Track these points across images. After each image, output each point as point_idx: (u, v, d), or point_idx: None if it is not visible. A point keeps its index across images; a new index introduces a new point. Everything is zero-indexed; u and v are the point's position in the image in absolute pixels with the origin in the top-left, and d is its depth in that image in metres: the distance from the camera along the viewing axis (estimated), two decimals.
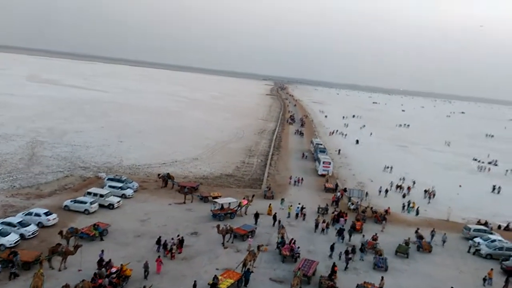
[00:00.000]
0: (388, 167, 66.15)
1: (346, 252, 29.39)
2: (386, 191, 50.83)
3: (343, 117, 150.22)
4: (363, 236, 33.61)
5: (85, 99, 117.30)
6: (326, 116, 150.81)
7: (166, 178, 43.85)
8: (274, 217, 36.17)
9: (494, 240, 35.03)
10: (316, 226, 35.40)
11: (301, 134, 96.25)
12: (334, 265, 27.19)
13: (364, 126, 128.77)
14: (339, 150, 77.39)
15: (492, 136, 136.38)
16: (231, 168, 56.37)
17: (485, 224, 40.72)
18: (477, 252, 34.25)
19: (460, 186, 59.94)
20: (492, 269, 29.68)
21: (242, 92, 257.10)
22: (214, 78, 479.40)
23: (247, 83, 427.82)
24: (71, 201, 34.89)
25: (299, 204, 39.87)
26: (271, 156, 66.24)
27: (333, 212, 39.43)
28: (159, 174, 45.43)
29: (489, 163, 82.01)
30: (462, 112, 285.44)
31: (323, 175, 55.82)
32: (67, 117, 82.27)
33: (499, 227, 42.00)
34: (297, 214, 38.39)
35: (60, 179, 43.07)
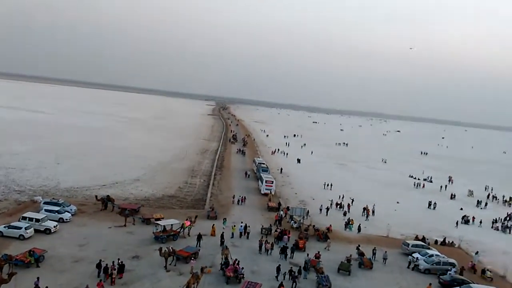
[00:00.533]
0: (328, 185, 68.46)
1: (290, 272, 29.60)
2: (327, 209, 52.51)
3: (284, 136, 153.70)
4: (307, 254, 34.34)
5: (21, 120, 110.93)
6: (267, 136, 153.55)
7: (106, 201, 42.45)
8: (222, 237, 36.18)
9: (432, 255, 36.66)
10: (260, 246, 35.60)
11: (243, 153, 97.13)
12: (281, 285, 27.62)
13: (305, 144, 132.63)
14: (281, 169, 79.04)
15: (427, 153, 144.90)
16: (173, 189, 55.66)
17: (423, 239, 42.77)
18: (416, 268, 35.63)
19: (398, 202, 63.13)
20: (430, 284, 31.42)
21: (184, 112, 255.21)
22: (157, 98, 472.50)
23: (189, 103, 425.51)
24: (4, 227, 32.68)
25: (242, 222, 40.17)
26: (214, 176, 66.30)
27: (275, 230, 40.15)
28: (96, 196, 43.93)
29: (424, 179, 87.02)
30: (398, 131, 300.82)
31: (265, 194, 56.64)
32: (1, 140, 77.14)
33: (436, 242, 44.34)
34: (240, 233, 38.63)
35: None
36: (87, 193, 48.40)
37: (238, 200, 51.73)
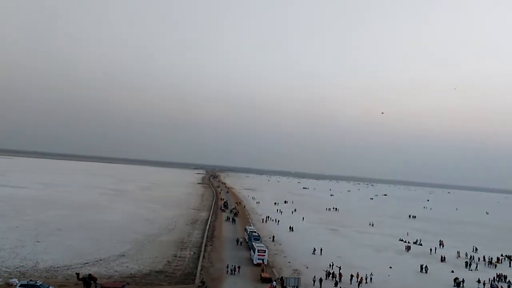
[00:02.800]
0: (320, 252, 66.55)
1: None
2: (320, 280, 48.90)
3: (275, 203, 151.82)
4: None
5: (1, 196, 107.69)
6: (258, 203, 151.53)
7: (88, 280, 39.69)
8: None
9: None
10: None
11: (234, 221, 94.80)
12: None
13: (296, 210, 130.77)
14: (273, 237, 76.72)
15: (415, 217, 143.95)
16: (161, 264, 52.80)
17: None
18: None
19: (390, 267, 61.09)
20: None
21: (173, 182, 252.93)
22: (145, 168, 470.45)
23: (179, 173, 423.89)
24: None
25: None
26: (205, 247, 63.57)
27: None
28: (78, 275, 41.14)
29: (414, 243, 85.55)
30: (385, 195, 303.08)
31: (258, 264, 54.18)
32: None
33: None
34: None
35: None
36: (68, 273, 45.40)
37: (231, 270, 49.45)
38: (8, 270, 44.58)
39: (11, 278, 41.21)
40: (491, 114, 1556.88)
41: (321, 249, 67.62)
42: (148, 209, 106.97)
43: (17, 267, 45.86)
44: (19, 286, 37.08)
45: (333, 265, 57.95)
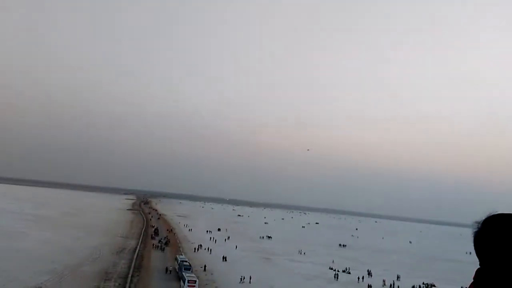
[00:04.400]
0: (250, 281, 65.93)
1: None
2: None
3: (209, 231, 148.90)
4: None
5: None
6: (190, 230, 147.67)
7: None
8: None
9: None
10: None
11: (164, 250, 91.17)
12: None
13: (229, 238, 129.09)
14: (205, 266, 74.54)
15: (345, 245, 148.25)
16: None
17: None
18: None
19: None
20: None
21: (100, 207, 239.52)
22: (70, 192, 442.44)
23: (107, 198, 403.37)
24: None
25: None
26: (131, 278, 59.99)
27: None
28: None
29: (343, 271, 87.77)
30: (317, 223, 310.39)
31: None
32: None
33: None
34: None
35: None
36: None
37: None
38: None
39: None
40: (416, 146, 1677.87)
41: (250, 278, 67.19)
42: (70, 237, 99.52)
43: None
44: None
45: None
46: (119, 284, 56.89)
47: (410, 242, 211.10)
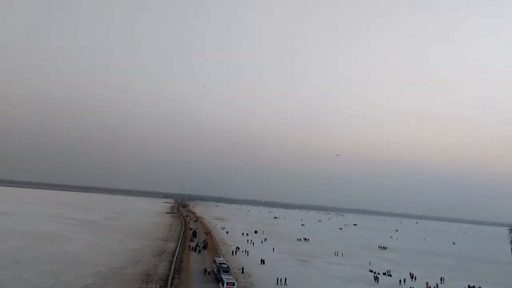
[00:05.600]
0: (287, 283, 65.94)
1: None
2: None
3: (246, 233, 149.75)
4: None
5: None
6: (227, 232, 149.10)
7: None
8: None
9: None
10: None
11: (200, 252, 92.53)
12: None
13: (266, 240, 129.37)
14: (243, 269, 75.10)
15: (386, 248, 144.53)
16: None
17: None
18: None
19: None
20: None
21: (141, 211, 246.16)
22: (111, 197, 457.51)
23: (146, 202, 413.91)
24: None
25: None
26: (171, 281, 61.29)
27: None
28: None
29: (384, 273, 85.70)
30: (355, 224, 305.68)
31: None
32: None
33: None
34: None
35: None
36: None
37: None
38: None
39: None
40: (461, 145, 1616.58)
41: (286, 280, 66.90)
42: (113, 240, 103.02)
43: None
44: None
45: None
46: (160, 286, 58.25)
47: (454, 243, 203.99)
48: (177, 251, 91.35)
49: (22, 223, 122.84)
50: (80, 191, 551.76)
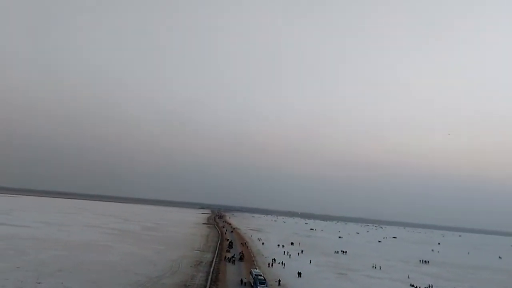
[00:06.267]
0: None
1: None
2: None
3: (281, 245, 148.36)
4: None
5: (3, 236, 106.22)
6: (263, 244, 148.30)
7: None
8: None
9: None
10: None
11: (238, 263, 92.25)
12: None
13: (302, 252, 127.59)
14: (279, 281, 74.10)
15: (428, 262, 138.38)
16: None
17: None
18: None
19: None
20: None
21: (178, 222, 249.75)
22: (149, 208, 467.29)
23: (184, 212, 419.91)
24: None
25: None
26: None
27: None
28: None
29: None
30: (394, 237, 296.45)
31: None
32: None
33: None
34: None
35: None
36: None
37: None
38: None
39: None
40: (503, 155, 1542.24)
41: None
42: (151, 250, 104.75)
43: None
44: None
45: None
46: None
47: (500, 257, 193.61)
48: (214, 262, 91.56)
49: (64, 232, 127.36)
50: (117, 202, 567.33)
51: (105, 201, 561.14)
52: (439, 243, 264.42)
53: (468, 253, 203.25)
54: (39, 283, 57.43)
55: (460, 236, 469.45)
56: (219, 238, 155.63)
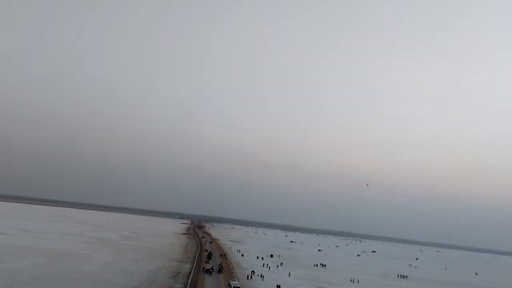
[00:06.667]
0: None
1: None
2: None
3: (261, 257, 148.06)
4: None
5: None
6: (243, 255, 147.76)
7: None
8: None
9: None
10: None
11: (217, 274, 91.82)
12: None
13: (282, 264, 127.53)
14: None
15: (406, 276, 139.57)
16: None
17: None
18: None
19: None
20: None
21: (157, 231, 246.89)
22: (128, 217, 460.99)
23: (163, 222, 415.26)
24: None
25: None
26: None
27: None
28: None
29: None
30: (373, 251, 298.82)
31: None
32: None
33: None
34: None
35: None
36: None
37: None
38: None
39: None
40: (482, 173, 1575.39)
41: None
42: (129, 260, 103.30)
43: None
44: None
45: None
46: None
47: (476, 273, 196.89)
48: (192, 273, 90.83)
49: (42, 240, 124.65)
50: (96, 210, 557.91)
51: (85, 208, 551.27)
52: (417, 258, 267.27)
53: (446, 269, 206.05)
54: None
55: (438, 251, 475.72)
56: (198, 248, 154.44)
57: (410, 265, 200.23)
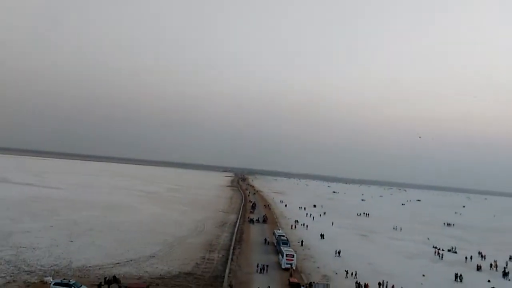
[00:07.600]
0: (339, 254, 66.04)
1: None
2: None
3: (303, 207, 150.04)
4: None
5: (34, 197, 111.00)
6: (286, 206, 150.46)
7: (112, 281, 40.53)
8: None
9: None
10: None
11: (262, 223, 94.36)
12: None
13: (325, 213, 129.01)
14: (302, 242, 75.59)
15: (453, 225, 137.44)
16: (190, 266, 52.85)
17: None
18: None
19: (423, 275, 58.60)
20: None
21: (202, 184, 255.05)
22: (173, 170, 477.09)
23: (207, 175, 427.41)
24: None
25: None
26: (233, 250, 63.27)
27: None
28: (105, 279, 41.28)
29: (449, 250, 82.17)
30: (418, 200, 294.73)
31: (286, 269, 53.40)
32: (13, 217, 76.25)
33: None
34: None
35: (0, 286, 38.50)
36: (99, 272, 46.06)
37: (261, 269, 51.66)
38: (43, 268, 45.67)
39: (45, 276, 42.23)
40: None
41: (340, 252, 66.07)
42: (177, 211, 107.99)
43: (52, 266, 46.93)
44: (53, 285, 37.93)
45: (355, 274, 54.55)
46: (222, 255, 60.39)
47: None
48: (237, 223, 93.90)
49: (93, 194, 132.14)
50: (143, 165, 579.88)
51: (130, 163, 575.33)
52: (464, 206, 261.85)
53: (494, 216, 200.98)
54: (71, 241, 60.38)
55: (486, 199, 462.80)
56: (242, 200, 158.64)
57: (456, 212, 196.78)
